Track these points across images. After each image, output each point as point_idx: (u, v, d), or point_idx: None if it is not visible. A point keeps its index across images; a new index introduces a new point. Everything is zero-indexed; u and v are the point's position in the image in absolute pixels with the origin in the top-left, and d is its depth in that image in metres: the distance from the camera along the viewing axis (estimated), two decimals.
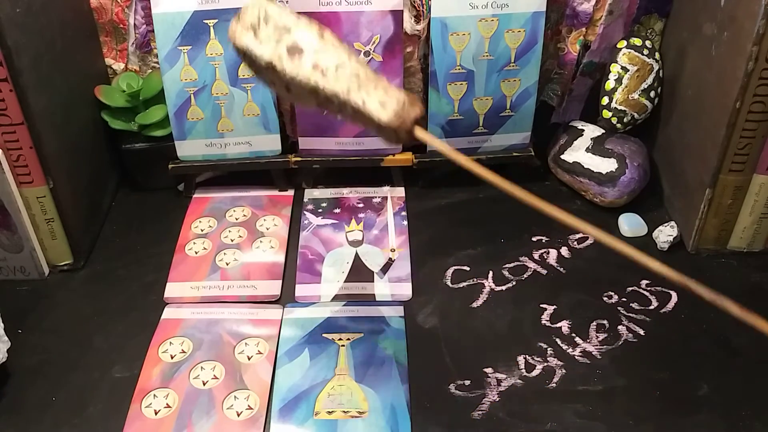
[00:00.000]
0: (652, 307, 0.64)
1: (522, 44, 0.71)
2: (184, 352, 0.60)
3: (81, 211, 0.70)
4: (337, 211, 0.75)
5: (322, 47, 0.44)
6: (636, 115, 0.74)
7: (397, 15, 0.70)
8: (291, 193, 0.78)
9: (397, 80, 0.72)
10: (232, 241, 0.71)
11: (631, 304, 0.64)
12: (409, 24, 0.71)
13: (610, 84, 0.74)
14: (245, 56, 0.47)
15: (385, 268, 0.68)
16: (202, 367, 0.59)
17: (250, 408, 0.56)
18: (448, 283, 0.67)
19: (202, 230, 0.73)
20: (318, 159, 0.76)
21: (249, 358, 0.60)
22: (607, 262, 0.69)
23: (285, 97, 0.48)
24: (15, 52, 0.57)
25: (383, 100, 0.42)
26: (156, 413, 0.55)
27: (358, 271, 0.68)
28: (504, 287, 0.67)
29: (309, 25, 0.46)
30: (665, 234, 0.70)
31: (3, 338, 0.57)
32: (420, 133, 0.43)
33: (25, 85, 0.59)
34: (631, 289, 0.66)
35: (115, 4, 0.74)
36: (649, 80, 0.73)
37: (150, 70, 0.77)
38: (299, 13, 0.64)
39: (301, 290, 0.66)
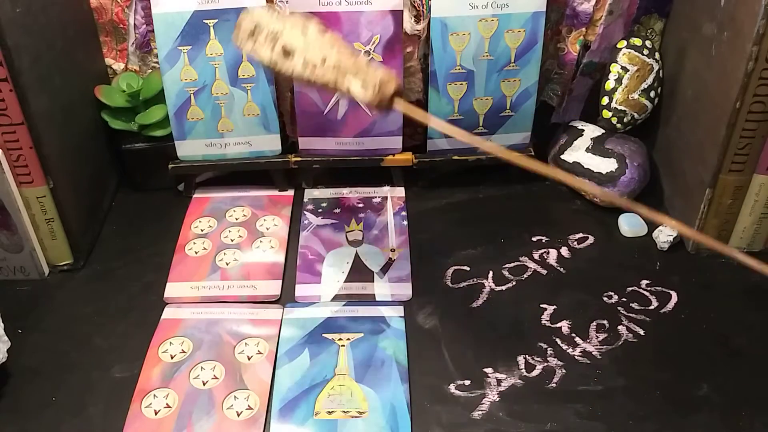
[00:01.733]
0: (652, 307, 0.64)
1: (522, 44, 0.71)
2: (184, 352, 0.60)
3: (81, 211, 0.70)
4: (337, 211, 0.75)
5: (307, 45, 0.52)
6: (636, 115, 0.75)
7: (397, 15, 0.70)
8: (291, 193, 0.78)
9: None
10: (232, 241, 0.71)
11: (631, 304, 0.64)
12: (409, 24, 0.71)
13: (610, 84, 0.74)
14: (253, 56, 0.55)
15: (385, 268, 0.68)
16: (202, 367, 0.59)
17: (250, 408, 0.56)
18: (448, 283, 0.67)
19: (202, 230, 0.73)
20: (318, 159, 0.76)
21: (249, 358, 0.60)
22: (607, 262, 0.69)
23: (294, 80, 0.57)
24: (15, 52, 0.57)
25: (364, 81, 0.51)
26: (156, 413, 0.55)
27: (358, 271, 0.68)
28: (504, 287, 0.67)
29: (293, 25, 0.53)
30: (665, 234, 0.70)
31: (3, 338, 0.57)
32: (398, 105, 0.51)
33: (25, 85, 0.59)
34: (631, 289, 0.66)
35: (115, 4, 0.74)
36: (649, 80, 0.73)
37: (150, 70, 0.77)
38: (296, 13, 0.64)
39: (301, 290, 0.66)
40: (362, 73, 0.51)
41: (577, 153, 0.76)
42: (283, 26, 0.53)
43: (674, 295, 0.65)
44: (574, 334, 0.62)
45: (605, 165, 0.73)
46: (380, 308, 0.64)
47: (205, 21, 0.70)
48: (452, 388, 0.57)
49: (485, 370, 0.59)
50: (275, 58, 0.53)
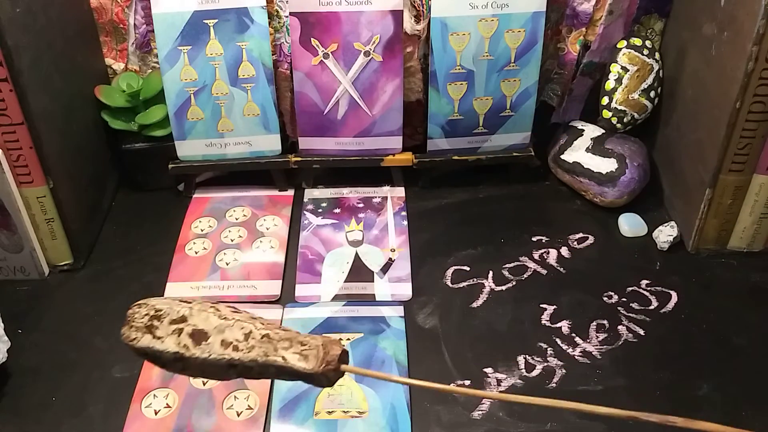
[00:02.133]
0: (652, 307, 0.64)
1: (522, 44, 0.71)
2: None
3: (81, 211, 0.70)
4: (337, 211, 0.75)
5: (224, 324, 0.44)
6: (636, 115, 0.74)
7: (397, 15, 0.70)
8: (291, 193, 0.78)
9: (397, 80, 0.72)
10: (232, 241, 0.71)
11: (631, 304, 0.64)
12: (409, 24, 0.71)
13: (610, 84, 0.74)
14: (147, 355, 0.45)
15: (385, 268, 0.68)
16: None
17: (250, 408, 0.56)
18: (448, 283, 0.67)
19: (202, 230, 0.73)
20: (318, 159, 0.76)
21: None
22: (607, 262, 0.69)
23: (201, 378, 0.48)
24: (15, 52, 0.57)
25: (302, 351, 0.42)
26: (156, 413, 0.55)
27: (358, 271, 0.68)
28: (504, 287, 0.67)
29: (202, 307, 0.45)
30: (665, 234, 0.70)
31: (3, 338, 0.57)
32: (348, 368, 0.43)
33: (25, 85, 0.59)
34: (631, 289, 0.66)
35: (115, 4, 0.74)
36: (649, 80, 0.73)
37: (150, 70, 0.77)
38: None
39: (301, 290, 0.66)
40: (297, 342, 0.43)
41: (577, 153, 0.76)
42: (189, 309, 0.44)
43: (674, 295, 0.65)
44: (574, 334, 0.62)
45: (605, 165, 0.73)
46: (380, 308, 0.64)
47: (205, 21, 0.70)
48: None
49: (485, 370, 0.59)
50: (183, 346, 0.43)
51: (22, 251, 0.66)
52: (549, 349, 0.60)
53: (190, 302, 0.45)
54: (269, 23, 0.72)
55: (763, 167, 0.64)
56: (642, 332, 0.62)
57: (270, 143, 0.75)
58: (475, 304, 0.65)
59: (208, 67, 0.71)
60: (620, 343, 0.61)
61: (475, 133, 0.76)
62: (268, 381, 0.57)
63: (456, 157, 0.76)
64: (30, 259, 0.66)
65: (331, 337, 0.43)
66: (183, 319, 0.44)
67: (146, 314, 0.45)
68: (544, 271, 0.68)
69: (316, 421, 0.55)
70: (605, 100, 0.75)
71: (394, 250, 0.70)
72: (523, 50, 0.72)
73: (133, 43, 0.76)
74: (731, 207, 0.67)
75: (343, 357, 0.43)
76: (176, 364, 0.44)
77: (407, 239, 0.72)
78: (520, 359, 0.60)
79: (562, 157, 0.77)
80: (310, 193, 0.78)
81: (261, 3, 0.70)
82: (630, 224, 0.72)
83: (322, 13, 0.69)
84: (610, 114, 0.75)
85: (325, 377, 0.42)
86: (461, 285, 0.67)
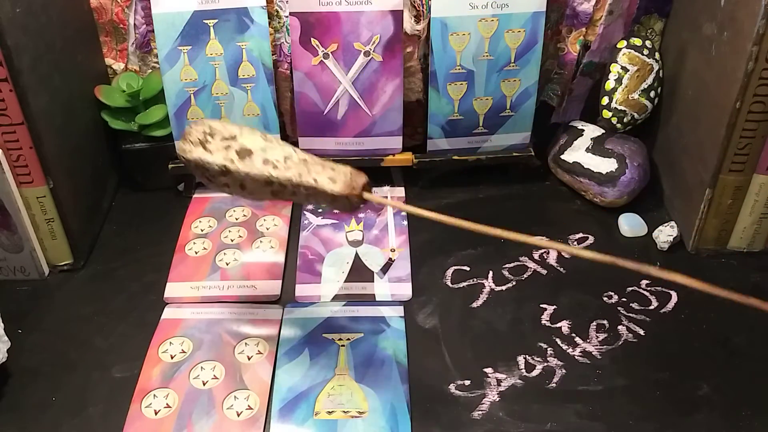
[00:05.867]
0: (652, 307, 0.64)
1: (522, 44, 0.71)
2: (184, 352, 0.60)
3: (81, 211, 0.70)
4: (337, 211, 0.75)
5: (268, 146, 0.50)
6: (636, 115, 0.75)
7: (397, 15, 0.70)
8: None
9: (397, 80, 0.72)
10: (232, 241, 0.71)
11: (631, 304, 0.64)
12: (409, 24, 0.71)
13: (610, 84, 0.74)
14: (197, 167, 0.51)
15: (385, 268, 0.68)
16: (202, 367, 0.59)
17: (250, 408, 0.56)
18: (448, 283, 0.67)
19: (202, 230, 0.73)
20: None
21: (249, 358, 0.60)
22: None
23: (240, 195, 0.53)
24: (15, 52, 0.57)
25: (332, 176, 0.49)
26: (156, 413, 0.55)
27: (358, 271, 0.68)
28: (504, 287, 0.67)
29: (252, 131, 0.51)
30: (665, 234, 0.70)
31: (3, 338, 0.57)
32: (369, 196, 0.49)
33: (25, 85, 0.59)
34: (631, 289, 0.66)
35: (115, 4, 0.74)
36: (649, 80, 0.73)
37: (150, 70, 0.77)
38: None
39: (301, 290, 0.66)
40: (329, 167, 0.49)
41: (577, 153, 0.76)
42: (240, 130, 0.51)
43: (674, 295, 0.65)
44: (574, 334, 0.62)
45: (605, 165, 0.73)
46: (380, 308, 0.64)
47: (205, 21, 0.70)
48: (452, 388, 0.57)
49: (485, 370, 0.59)
50: (230, 160, 0.50)
51: (22, 251, 0.66)
52: (549, 349, 0.60)
53: (241, 126, 0.51)
54: (269, 23, 0.72)
55: (763, 167, 0.64)
56: (642, 332, 0.62)
57: None
58: (475, 304, 0.65)
59: (208, 67, 0.71)
60: (620, 343, 0.61)
61: (475, 133, 0.76)
62: (268, 381, 0.57)
63: (456, 157, 0.76)
64: (30, 259, 0.66)
65: (357, 169, 0.49)
66: (233, 138, 0.50)
67: (202, 131, 0.51)
68: (544, 271, 0.68)
69: (316, 421, 0.55)
70: (605, 100, 0.75)
71: (394, 250, 0.70)
72: (523, 50, 0.72)
73: (133, 43, 0.76)
74: (731, 207, 0.67)
75: (367, 186, 0.49)
76: (221, 177, 0.50)
77: (407, 239, 0.72)
78: (520, 359, 0.60)
79: (562, 157, 0.77)
80: None
81: (261, 3, 0.70)
82: (630, 224, 0.72)
83: (322, 13, 0.69)
84: (610, 114, 0.75)
85: (349, 201, 0.48)
86: (461, 285, 0.67)
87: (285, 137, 0.77)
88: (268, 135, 0.50)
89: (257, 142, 0.50)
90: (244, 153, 0.49)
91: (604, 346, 0.61)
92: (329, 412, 0.55)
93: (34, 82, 0.60)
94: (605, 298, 0.65)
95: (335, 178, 0.48)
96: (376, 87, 0.72)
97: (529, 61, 0.72)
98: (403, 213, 0.75)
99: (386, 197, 0.77)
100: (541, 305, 0.65)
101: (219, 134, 0.50)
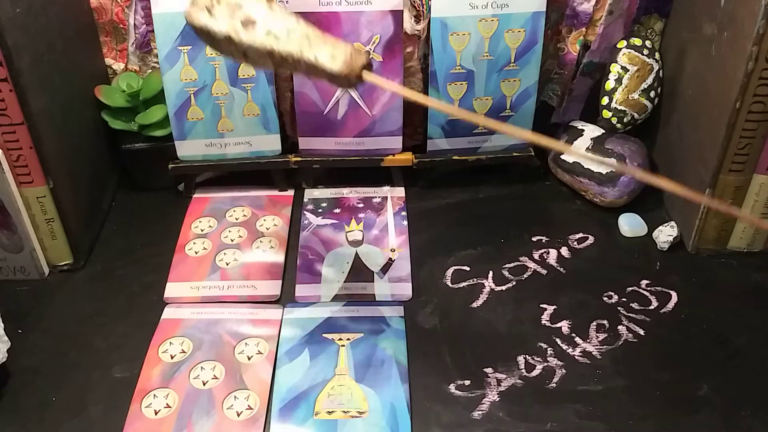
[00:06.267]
0: (652, 307, 0.64)
1: (522, 44, 0.71)
2: (184, 352, 0.60)
3: (81, 211, 0.70)
4: (337, 211, 0.75)
5: (272, 16, 0.50)
6: (636, 115, 0.74)
7: (397, 15, 0.70)
8: (291, 193, 0.78)
9: (397, 80, 0.72)
10: (232, 241, 0.71)
11: (631, 304, 0.64)
12: (409, 24, 0.71)
13: (610, 84, 0.74)
14: (202, 33, 0.52)
15: (385, 268, 0.68)
16: (202, 367, 0.59)
17: (250, 408, 0.56)
18: (448, 283, 0.67)
19: (202, 230, 0.73)
20: (318, 159, 0.76)
21: (249, 358, 0.60)
22: (607, 262, 0.69)
23: (244, 62, 0.53)
24: (15, 52, 0.57)
25: (333, 53, 0.48)
26: (156, 413, 0.55)
27: (358, 271, 0.68)
28: (504, 287, 0.67)
29: (258, 1, 0.51)
30: (665, 234, 0.70)
31: (3, 338, 0.57)
32: (368, 76, 0.48)
33: (25, 85, 0.59)
34: (631, 289, 0.66)
35: (115, 4, 0.74)
36: (649, 80, 0.73)
37: (150, 70, 0.77)
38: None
39: (301, 290, 0.66)
40: (330, 45, 0.48)
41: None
42: (246, 1, 0.51)
43: (674, 295, 0.65)
44: (574, 334, 0.62)
45: (605, 165, 0.73)
46: (380, 308, 0.64)
47: None
48: (452, 388, 0.57)
49: (485, 370, 0.59)
50: (234, 29, 0.50)
51: (22, 251, 0.66)
52: (549, 349, 0.60)
53: None
54: None
55: (763, 167, 0.64)
56: (642, 332, 0.62)
57: (270, 143, 0.75)
58: (475, 304, 0.65)
59: (208, 67, 0.71)
60: (620, 343, 0.61)
61: (475, 133, 0.76)
62: (268, 381, 0.57)
63: (456, 157, 0.76)
64: (30, 259, 0.66)
65: (360, 48, 0.48)
66: (238, 6, 0.50)
67: None
68: (544, 271, 0.68)
69: (316, 421, 0.55)
70: (605, 100, 0.75)
71: (394, 250, 0.70)
72: (523, 50, 0.72)
73: (133, 43, 0.76)
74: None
75: (367, 66, 0.48)
76: (225, 45, 0.51)
77: (407, 239, 0.72)
78: (520, 359, 0.60)
79: (562, 157, 0.77)
80: (310, 193, 0.78)
81: (260, 4, 0.70)
82: (630, 224, 0.72)
83: (322, 13, 0.69)
84: (610, 114, 0.75)
85: (347, 80, 0.48)
86: (461, 285, 0.67)
87: (285, 137, 0.77)
88: (273, 4, 0.50)
89: (261, 12, 0.50)
90: (248, 22, 0.49)
91: (604, 346, 0.61)
92: (329, 412, 0.55)
93: (34, 82, 0.60)
94: (605, 298, 0.65)
95: (336, 56, 0.48)
96: (376, 87, 0.72)
97: (529, 61, 0.72)
98: (403, 213, 0.75)
99: (386, 189, 0.77)
100: (541, 305, 0.65)
101: (225, 3, 0.51)
